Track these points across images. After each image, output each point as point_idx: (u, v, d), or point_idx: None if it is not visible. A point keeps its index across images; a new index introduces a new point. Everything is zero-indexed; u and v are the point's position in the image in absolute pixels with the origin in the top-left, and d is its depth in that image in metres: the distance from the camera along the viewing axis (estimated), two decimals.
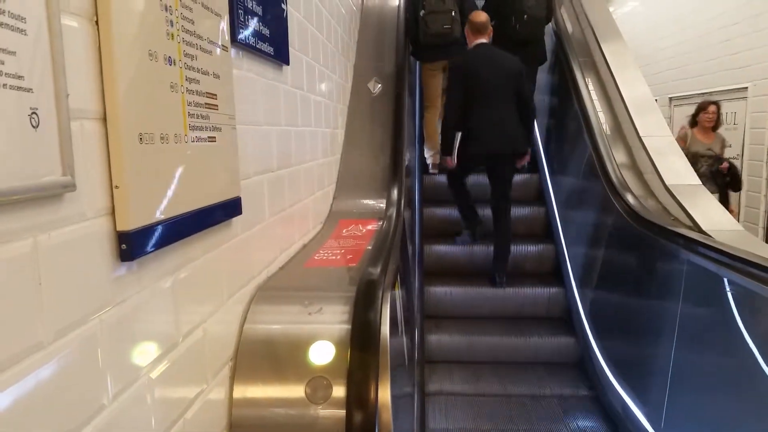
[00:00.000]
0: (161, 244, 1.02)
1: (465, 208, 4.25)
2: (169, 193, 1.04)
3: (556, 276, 4.04)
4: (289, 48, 1.99)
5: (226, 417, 1.35)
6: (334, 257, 2.07)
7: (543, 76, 4.88)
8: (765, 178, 5.56)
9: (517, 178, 4.33)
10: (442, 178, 4.43)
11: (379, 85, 3.73)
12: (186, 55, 1.13)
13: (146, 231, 0.95)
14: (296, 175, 2.15)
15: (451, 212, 4.50)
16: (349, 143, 3.30)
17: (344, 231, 2.57)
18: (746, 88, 5.70)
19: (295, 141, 2.14)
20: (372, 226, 2.62)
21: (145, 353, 0.99)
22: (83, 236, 0.83)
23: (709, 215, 2.47)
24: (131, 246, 0.91)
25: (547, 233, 4.37)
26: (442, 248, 4.37)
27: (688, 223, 2.45)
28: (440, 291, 4.02)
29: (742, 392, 1.95)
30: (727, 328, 1.96)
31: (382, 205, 2.90)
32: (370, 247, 2.18)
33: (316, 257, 2.05)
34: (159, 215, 0.99)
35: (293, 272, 1.85)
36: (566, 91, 4.16)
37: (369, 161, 3.22)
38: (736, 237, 2.24)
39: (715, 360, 2.09)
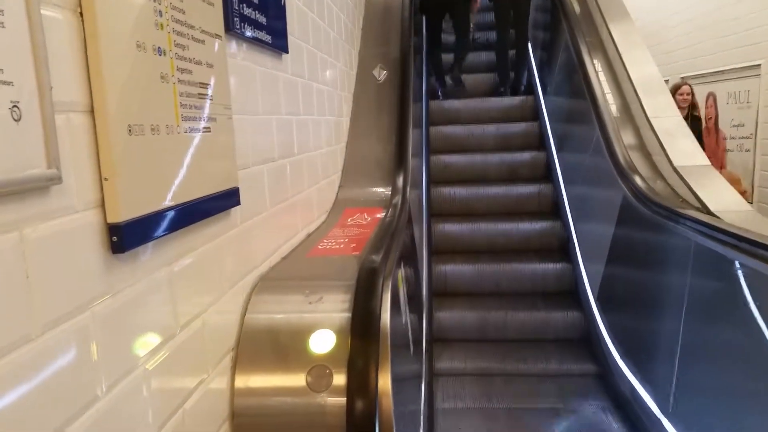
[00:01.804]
0: (154, 236, 1.02)
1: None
2: (162, 184, 1.04)
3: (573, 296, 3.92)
4: (289, 36, 1.98)
5: (228, 406, 1.35)
6: (337, 246, 2.06)
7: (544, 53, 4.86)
8: None
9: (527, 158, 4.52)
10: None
11: (385, 72, 3.70)
12: (176, 45, 1.13)
13: (138, 223, 0.95)
14: (299, 165, 2.14)
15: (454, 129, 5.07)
16: (355, 131, 3.28)
17: (349, 220, 2.56)
18: (759, 65, 5.60)
19: (297, 130, 2.13)
20: (378, 215, 2.61)
21: (141, 344, 1.00)
22: (72, 229, 0.83)
23: (718, 196, 2.44)
24: (122, 238, 0.91)
25: (558, 222, 4.34)
26: (449, 158, 4.82)
27: (697, 204, 2.42)
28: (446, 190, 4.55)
29: (753, 374, 1.93)
30: (736, 310, 1.94)
31: (388, 193, 2.89)
32: (374, 236, 2.18)
33: (319, 246, 2.05)
34: (151, 207, 0.99)
35: (296, 262, 1.85)
36: (573, 70, 4.11)
37: (375, 149, 3.21)
38: (745, 217, 2.20)
39: (724, 343, 2.07)
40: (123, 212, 0.91)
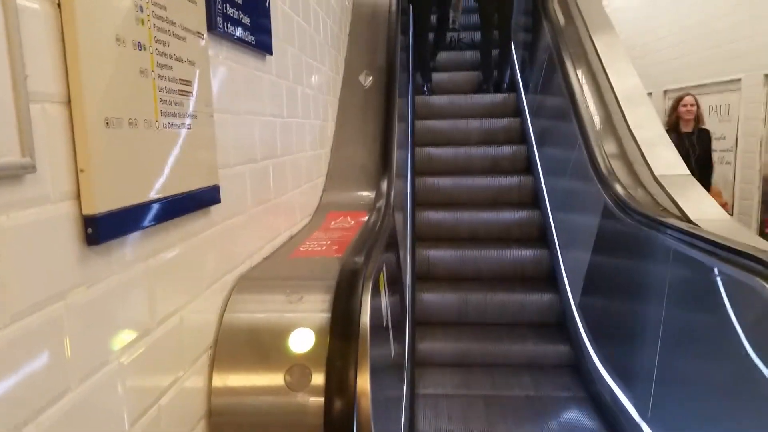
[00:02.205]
0: (130, 229, 1.02)
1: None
2: (139, 178, 1.04)
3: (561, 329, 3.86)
4: (273, 38, 1.99)
5: (205, 404, 1.34)
6: (319, 248, 2.06)
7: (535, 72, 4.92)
8: (758, 170, 5.55)
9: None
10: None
11: (370, 78, 3.72)
12: (157, 40, 1.13)
13: (114, 216, 0.94)
14: (282, 167, 2.14)
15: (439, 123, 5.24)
16: (340, 136, 3.29)
17: (332, 223, 2.56)
18: (740, 79, 5.69)
19: (281, 132, 2.13)
20: (361, 219, 2.62)
21: (116, 338, 0.99)
22: (47, 219, 0.83)
23: (698, 205, 2.47)
24: (97, 230, 0.90)
25: (542, 237, 4.37)
26: (434, 150, 4.96)
27: (677, 213, 2.45)
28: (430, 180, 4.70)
29: (728, 377, 1.95)
30: (714, 316, 1.96)
31: (372, 197, 2.90)
32: (356, 238, 2.18)
33: (301, 248, 2.04)
34: (127, 200, 0.99)
35: (277, 262, 1.84)
36: (553, 70, 4.16)
37: (359, 154, 3.21)
38: (724, 227, 2.23)
39: (703, 351, 2.09)
40: (98, 204, 0.91)
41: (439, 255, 4.15)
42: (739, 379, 1.89)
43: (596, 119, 3.42)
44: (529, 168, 4.82)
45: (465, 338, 3.64)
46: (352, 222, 2.59)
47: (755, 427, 1.76)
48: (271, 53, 1.95)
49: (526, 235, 4.35)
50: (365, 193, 2.96)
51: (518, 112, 5.35)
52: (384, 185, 2.94)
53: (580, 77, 3.74)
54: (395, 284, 2.73)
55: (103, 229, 0.91)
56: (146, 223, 1.07)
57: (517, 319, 3.78)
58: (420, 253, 4.14)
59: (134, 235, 1.05)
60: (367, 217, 2.59)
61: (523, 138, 5.08)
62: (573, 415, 3.03)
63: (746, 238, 2.09)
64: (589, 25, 4.03)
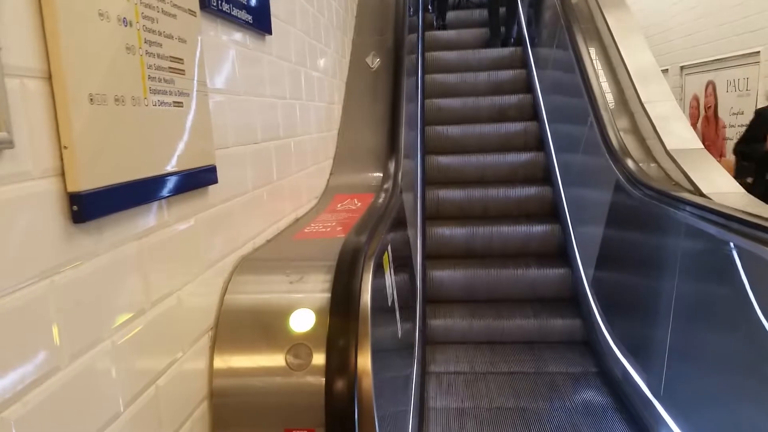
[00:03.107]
0: (119, 207, 1.00)
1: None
2: (127, 156, 1.03)
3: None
4: (273, 18, 1.96)
5: (207, 386, 1.34)
6: (324, 229, 2.05)
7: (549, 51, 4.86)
8: None
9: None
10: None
11: (378, 60, 3.68)
12: (144, 17, 1.11)
13: (101, 193, 0.93)
14: (286, 149, 2.12)
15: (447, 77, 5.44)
16: (347, 118, 3.27)
17: (339, 205, 2.55)
18: (758, 52, 5.55)
19: (284, 114, 2.11)
20: (368, 200, 2.59)
21: (107, 318, 0.98)
22: (29, 195, 0.82)
23: (711, 179, 2.41)
24: (83, 208, 0.89)
25: (553, 211, 4.32)
26: (443, 101, 5.16)
27: (689, 187, 2.39)
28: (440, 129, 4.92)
29: (747, 358, 1.90)
30: (729, 291, 1.91)
31: (380, 179, 2.87)
32: (361, 219, 2.16)
33: (306, 230, 2.03)
34: (115, 178, 0.98)
35: (281, 244, 1.83)
36: (569, 63, 4.09)
37: (367, 136, 3.19)
38: (737, 200, 2.18)
39: (718, 327, 2.04)
40: (83, 182, 0.89)
41: (448, 194, 4.39)
42: (757, 356, 1.84)
43: (610, 98, 3.37)
44: (535, 115, 4.97)
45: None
46: (359, 204, 2.57)
47: None
48: (270, 33, 1.92)
49: (531, 176, 4.56)
50: (373, 175, 2.93)
51: (524, 64, 5.57)
52: (392, 167, 2.92)
53: (588, 47, 3.71)
54: (403, 263, 2.71)
55: (89, 207, 0.90)
56: (137, 201, 1.06)
57: (523, 251, 4.06)
58: (431, 193, 4.37)
59: (124, 214, 1.04)
60: (374, 199, 2.56)
61: (529, 88, 5.28)
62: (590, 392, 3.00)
63: (762, 210, 2.04)
64: (602, 2, 3.95)
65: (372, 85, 3.53)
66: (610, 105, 3.30)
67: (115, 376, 0.99)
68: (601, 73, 3.57)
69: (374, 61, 3.66)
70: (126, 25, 1.04)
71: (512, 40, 5.95)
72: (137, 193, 1.05)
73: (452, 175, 4.60)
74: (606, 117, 3.14)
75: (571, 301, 3.63)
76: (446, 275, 3.85)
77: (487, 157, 4.62)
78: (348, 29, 3.70)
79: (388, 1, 4.20)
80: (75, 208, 0.89)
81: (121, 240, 1.04)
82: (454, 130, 4.88)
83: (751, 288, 1.84)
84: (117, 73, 1.00)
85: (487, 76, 5.41)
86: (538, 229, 4.09)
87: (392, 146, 3.06)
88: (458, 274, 3.85)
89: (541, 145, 4.70)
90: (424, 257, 3.92)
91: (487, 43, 6.00)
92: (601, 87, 3.41)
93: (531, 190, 4.36)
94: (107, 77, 0.97)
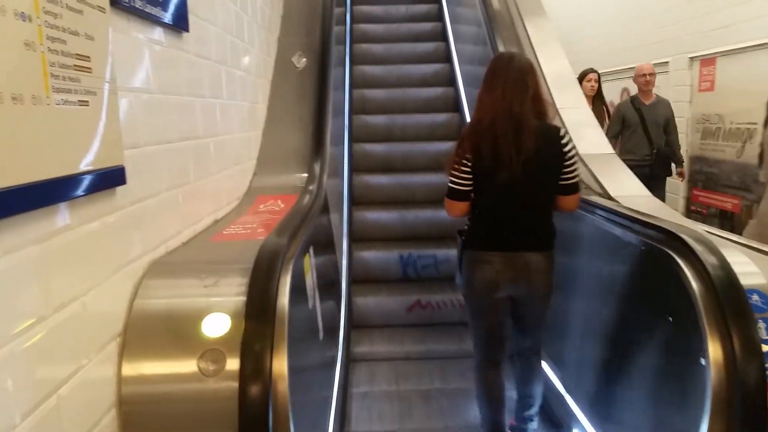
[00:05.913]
0: (16, 210, 0.96)
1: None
2: (27, 156, 0.98)
3: None
4: (190, 15, 1.92)
5: (114, 394, 1.30)
6: (244, 231, 2.02)
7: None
8: (685, 150, 5.77)
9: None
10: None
11: (304, 59, 3.65)
12: (47, 12, 1.06)
13: None
14: (204, 149, 2.08)
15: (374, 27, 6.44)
16: (272, 118, 3.23)
17: (262, 206, 2.52)
18: (667, 62, 5.89)
19: (203, 113, 2.07)
20: (292, 201, 2.58)
21: (3, 325, 0.94)
22: None
23: (620, 183, 2.55)
24: None
25: None
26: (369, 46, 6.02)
27: (599, 190, 2.52)
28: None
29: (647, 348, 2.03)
30: (628, 288, 2.04)
31: (304, 180, 2.86)
32: (283, 220, 2.15)
33: (225, 232, 2.00)
34: (13, 180, 0.93)
35: (197, 247, 1.79)
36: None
37: (292, 136, 3.16)
38: (641, 202, 2.31)
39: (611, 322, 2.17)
40: None
41: (373, 93, 5.37)
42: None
43: None
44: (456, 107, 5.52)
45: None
46: (283, 205, 2.55)
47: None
48: (187, 30, 1.88)
49: (439, 81, 5.61)
50: (297, 176, 2.91)
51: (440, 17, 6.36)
52: (317, 168, 2.91)
53: None
54: (326, 252, 2.71)
55: None
56: (37, 204, 1.01)
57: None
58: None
59: (23, 217, 0.99)
60: (297, 200, 2.55)
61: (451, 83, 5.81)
62: None
63: (660, 212, 2.18)
64: (522, 10, 4.10)
65: (298, 84, 3.50)
66: None
67: (11, 387, 0.95)
68: None
69: (300, 61, 3.64)
70: (25, 20, 0.99)
71: None
72: (37, 196, 1.01)
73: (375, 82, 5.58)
74: None
75: None
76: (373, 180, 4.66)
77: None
78: (274, 28, 3.66)
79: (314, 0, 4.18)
80: None
81: (20, 244, 0.99)
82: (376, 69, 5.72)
83: (649, 284, 1.97)
84: (14, 70, 0.96)
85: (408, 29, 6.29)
86: None
87: (318, 146, 3.05)
88: (379, 146, 4.93)
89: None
90: (350, 242, 4.02)
91: None
92: None
93: None
94: (3, 75, 0.92)
